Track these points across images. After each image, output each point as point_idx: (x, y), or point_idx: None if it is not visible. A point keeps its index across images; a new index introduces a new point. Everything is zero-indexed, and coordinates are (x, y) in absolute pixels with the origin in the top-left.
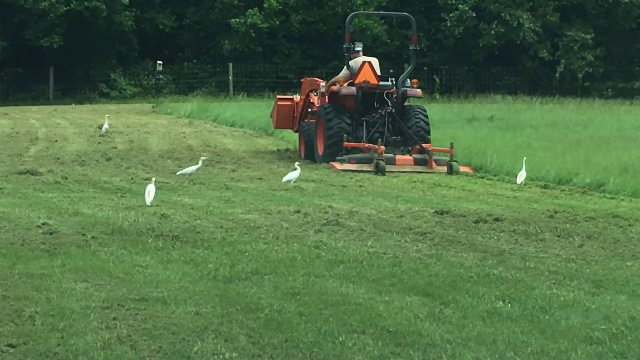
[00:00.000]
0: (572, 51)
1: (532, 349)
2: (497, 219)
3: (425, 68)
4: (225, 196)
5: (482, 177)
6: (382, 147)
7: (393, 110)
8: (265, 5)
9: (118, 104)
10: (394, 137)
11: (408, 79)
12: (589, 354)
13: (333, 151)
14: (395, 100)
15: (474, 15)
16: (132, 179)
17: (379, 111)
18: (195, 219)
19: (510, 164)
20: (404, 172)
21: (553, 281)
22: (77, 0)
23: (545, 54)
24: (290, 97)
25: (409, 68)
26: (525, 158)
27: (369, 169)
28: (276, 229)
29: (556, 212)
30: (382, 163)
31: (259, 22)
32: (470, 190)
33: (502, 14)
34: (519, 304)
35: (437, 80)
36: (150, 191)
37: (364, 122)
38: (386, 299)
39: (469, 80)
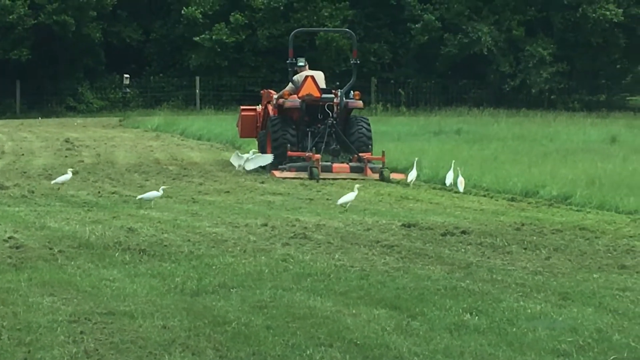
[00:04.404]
0: (529, 67)
1: None
2: (464, 232)
3: (391, 81)
4: (192, 209)
5: (449, 190)
6: (317, 155)
7: (334, 122)
8: (231, 19)
9: (85, 118)
10: (332, 147)
11: (351, 91)
12: None
13: (279, 161)
14: (338, 111)
15: (440, 25)
16: (99, 192)
17: (326, 122)
18: (162, 233)
19: (477, 177)
20: (340, 178)
21: (520, 293)
22: (45, 14)
23: (507, 68)
24: (254, 107)
25: (351, 81)
26: (416, 159)
27: (306, 176)
28: (243, 242)
29: (523, 225)
30: (315, 170)
31: (225, 37)
32: (438, 203)
33: (464, 27)
34: (486, 316)
35: (403, 93)
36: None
37: (309, 133)
38: (353, 312)
39: (436, 93)
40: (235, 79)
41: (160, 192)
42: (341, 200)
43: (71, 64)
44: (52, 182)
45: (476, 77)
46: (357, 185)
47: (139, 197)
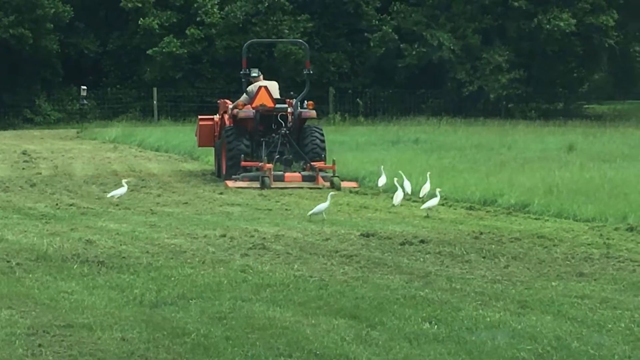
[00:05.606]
0: (486, 73)
1: None
2: (422, 241)
3: (349, 91)
4: (150, 221)
5: (408, 200)
6: (269, 165)
7: (287, 132)
8: (187, 32)
9: (42, 130)
10: (285, 156)
11: (305, 101)
12: None
13: (233, 171)
14: (292, 121)
15: (396, 37)
16: (57, 204)
17: (279, 132)
18: (121, 244)
19: (435, 186)
20: (292, 187)
21: (479, 302)
22: (1, 27)
23: (464, 75)
24: (211, 117)
25: (304, 91)
26: (380, 164)
27: (258, 186)
28: (202, 254)
29: (481, 233)
30: (266, 179)
31: (175, 49)
32: (396, 212)
33: (424, 34)
34: (445, 325)
35: (361, 103)
36: None
37: (263, 143)
38: (313, 322)
39: (394, 102)
40: (193, 90)
41: (328, 203)
42: (425, 206)
43: (28, 76)
44: (109, 195)
45: (434, 86)
46: (438, 190)
47: (310, 213)
